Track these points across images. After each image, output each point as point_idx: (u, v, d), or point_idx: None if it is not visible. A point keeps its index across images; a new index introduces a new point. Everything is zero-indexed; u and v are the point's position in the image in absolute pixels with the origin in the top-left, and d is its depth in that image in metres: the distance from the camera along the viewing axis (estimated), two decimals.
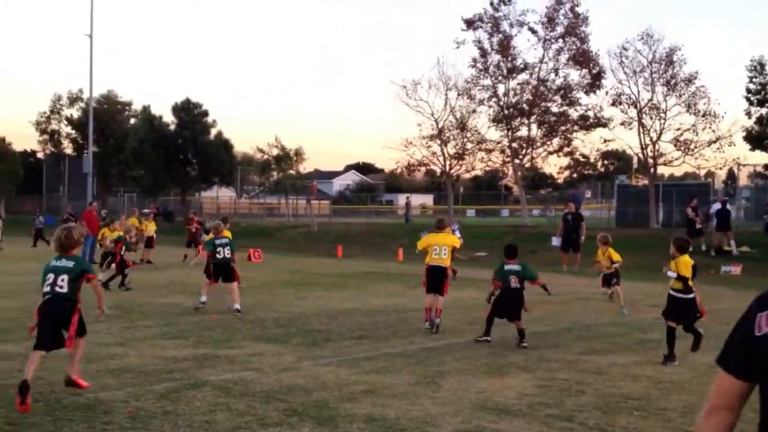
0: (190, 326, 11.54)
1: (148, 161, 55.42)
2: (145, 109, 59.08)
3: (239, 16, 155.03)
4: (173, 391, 7.42)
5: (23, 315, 11.88)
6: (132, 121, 67.10)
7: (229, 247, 13.63)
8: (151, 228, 24.94)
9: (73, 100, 70.23)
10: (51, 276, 7.34)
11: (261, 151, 47.30)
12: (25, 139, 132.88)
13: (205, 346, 9.89)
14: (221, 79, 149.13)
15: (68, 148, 72.42)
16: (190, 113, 56.35)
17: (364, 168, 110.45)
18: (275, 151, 45.73)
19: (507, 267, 10.89)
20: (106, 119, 65.35)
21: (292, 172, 46.56)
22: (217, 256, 13.52)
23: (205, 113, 57.12)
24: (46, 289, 7.31)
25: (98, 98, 64.02)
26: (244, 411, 6.77)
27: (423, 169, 42.80)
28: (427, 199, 79.65)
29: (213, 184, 60.24)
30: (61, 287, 7.24)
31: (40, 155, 78.29)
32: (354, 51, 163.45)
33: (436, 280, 11.56)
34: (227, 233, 14.16)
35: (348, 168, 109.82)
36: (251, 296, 15.69)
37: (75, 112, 70.49)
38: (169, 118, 57.18)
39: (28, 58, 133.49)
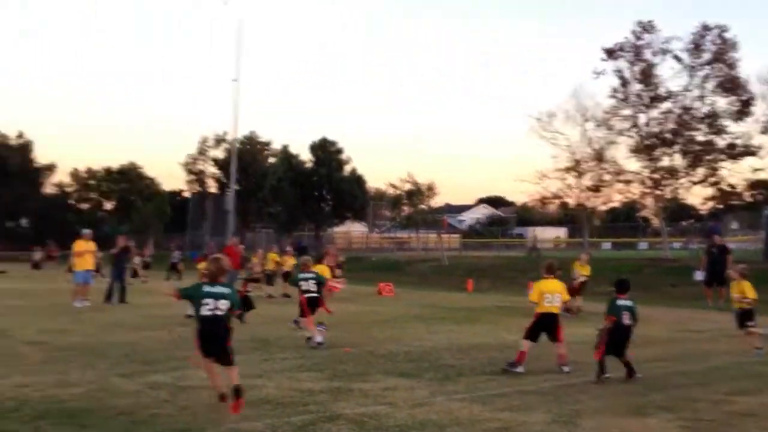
0: (324, 359, 11.78)
1: (286, 198, 57.46)
2: (284, 149, 61.35)
3: (372, 54, 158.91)
4: (309, 423, 7.59)
5: (172, 346, 12.56)
6: (271, 160, 69.80)
7: (314, 281, 13.91)
8: (289, 262, 25.71)
9: (219, 141, 73.97)
10: (210, 301, 8.18)
11: (393, 186, 48.07)
12: (174, 180, 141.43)
13: (339, 379, 10.06)
14: (356, 116, 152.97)
15: (212, 187, 76.08)
16: (326, 151, 58.08)
17: (495, 201, 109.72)
18: (407, 186, 46.30)
19: (619, 302, 10.52)
20: (247, 159, 68.36)
21: (423, 206, 46.93)
22: (302, 288, 13.83)
23: (340, 150, 58.74)
24: (206, 313, 8.14)
25: (241, 139, 67.14)
26: None
27: (557, 201, 42.01)
28: (561, 232, 78.01)
29: (346, 219, 61.61)
30: (221, 311, 8.19)
31: (186, 194, 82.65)
32: (488, 83, 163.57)
33: (548, 328, 11.12)
34: (321, 268, 15.14)
35: (479, 201, 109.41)
36: (382, 330, 15.88)
37: (220, 153, 74.15)
38: (306, 156, 59.13)
39: (178, 104, 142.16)
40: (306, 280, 13.92)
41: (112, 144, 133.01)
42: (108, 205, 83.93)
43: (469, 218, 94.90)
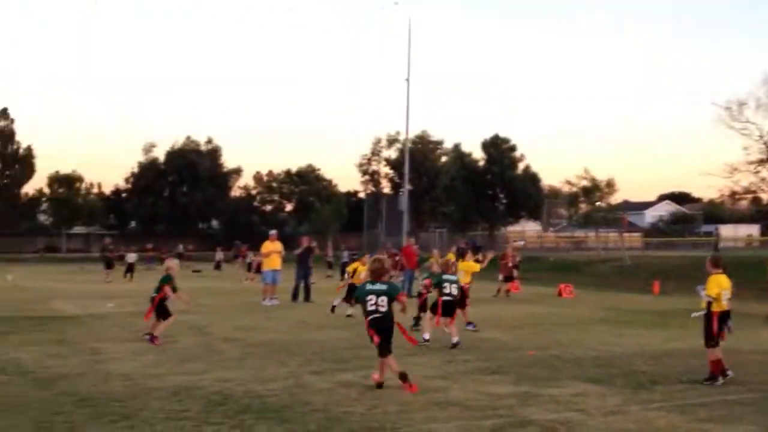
0: (509, 362, 11.61)
1: (459, 197, 57.57)
2: (456, 147, 61.52)
3: (541, 46, 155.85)
4: (500, 428, 7.49)
5: (357, 345, 12.87)
6: (443, 159, 70.19)
7: (456, 285, 13.35)
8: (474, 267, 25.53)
9: (391, 141, 75.41)
10: (372, 297, 9.40)
11: (569, 183, 46.84)
12: (349, 181, 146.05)
13: (527, 383, 9.88)
14: (529, 111, 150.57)
15: (386, 187, 77.62)
16: (498, 149, 57.62)
17: (678, 197, 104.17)
18: (584, 183, 44.96)
19: None
20: (420, 159, 69.16)
21: (601, 204, 45.39)
22: (444, 291, 13.19)
23: (513, 148, 58.06)
24: (371, 308, 9.38)
25: (413, 139, 68.02)
26: None
27: (749, 197, 39.25)
28: (753, 230, 72.76)
29: (520, 217, 60.78)
30: (382, 306, 9.35)
31: (361, 195, 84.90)
32: (669, 70, 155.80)
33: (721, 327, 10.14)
34: (467, 265, 14.75)
35: (661, 198, 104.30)
36: (565, 333, 15.47)
37: (393, 153, 75.56)
38: (478, 154, 58.97)
39: (352, 105, 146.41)
40: (450, 282, 13.35)
41: (291, 147, 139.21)
42: (288, 207, 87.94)
43: (650, 216, 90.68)
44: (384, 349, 9.31)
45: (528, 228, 64.91)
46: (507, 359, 11.94)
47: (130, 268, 34.45)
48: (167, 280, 13.53)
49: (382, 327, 9.30)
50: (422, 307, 14.92)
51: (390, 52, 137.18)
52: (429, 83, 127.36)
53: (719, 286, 10.07)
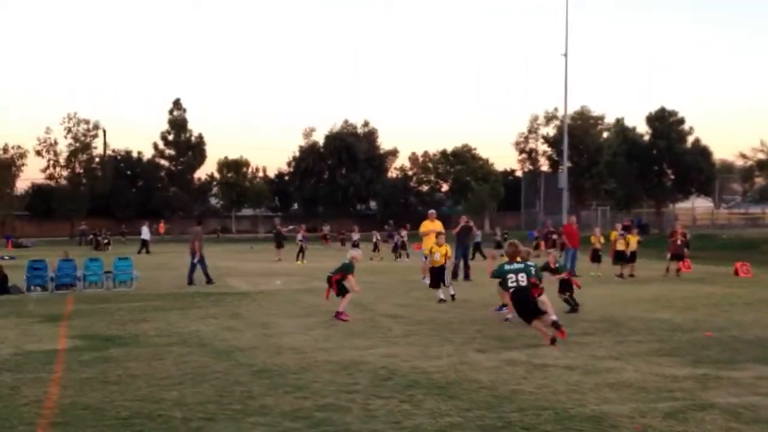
0: (684, 344, 11.04)
1: (622, 174, 55.39)
2: (618, 122, 59.16)
3: (703, 7, 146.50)
4: (679, 411, 7.13)
5: (520, 323, 12.70)
6: (605, 134, 67.84)
7: (524, 274, 11.28)
8: (633, 242, 24.62)
9: (549, 119, 73.80)
10: (512, 275, 11.15)
11: (744, 156, 43.94)
12: (506, 159, 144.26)
13: (705, 366, 9.34)
14: (696, 83, 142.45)
15: (544, 165, 76.13)
16: (665, 122, 54.84)
17: None
18: (760, 156, 41.99)
19: None
20: (579, 135, 67.22)
21: None
22: (510, 283, 11.32)
23: (681, 121, 55.05)
24: (512, 285, 11.11)
25: (572, 115, 66.18)
26: None
27: None
28: None
29: (689, 194, 57.67)
30: (522, 282, 11.07)
31: (518, 173, 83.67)
32: None
33: None
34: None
35: None
36: (744, 314, 14.52)
37: (550, 131, 73.92)
38: (643, 128, 56.43)
39: (507, 83, 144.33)
40: (516, 272, 11.35)
41: (447, 127, 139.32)
42: (444, 187, 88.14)
43: None
44: (528, 317, 10.92)
45: (698, 205, 61.50)
46: (681, 340, 11.35)
47: (301, 249, 35.47)
48: (350, 268, 14.02)
49: (522, 300, 11.01)
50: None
51: (546, 26, 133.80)
52: (588, 57, 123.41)
53: None
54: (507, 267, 11.81)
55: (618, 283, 21.94)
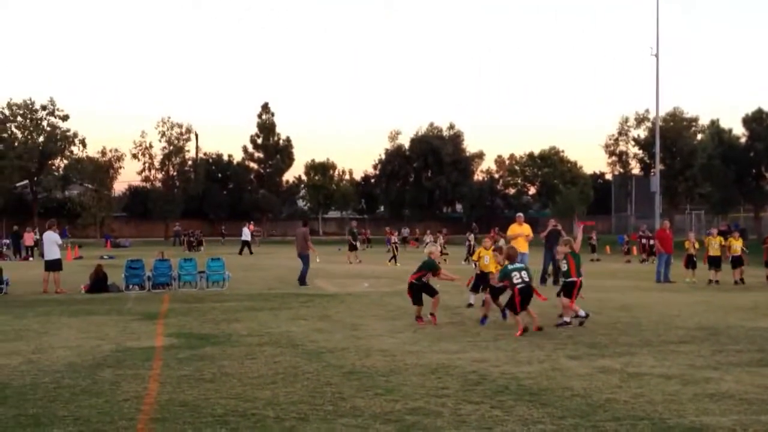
0: None
1: (717, 177, 53.48)
2: (713, 124, 57.15)
3: None
4: None
5: (615, 331, 12.39)
6: (699, 136, 65.67)
7: (525, 271, 12.69)
8: (737, 246, 23.73)
9: (640, 120, 71.88)
10: (517, 273, 12.56)
11: None
12: (595, 162, 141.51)
13: None
14: None
15: (635, 168, 74.19)
16: (762, 124, 52.65)
17: None
18: None
19: None
20: (672, 137, 65.25)
21: None
22: (515, 281, 12.51)
23: None
24: (518, 281, 12.47)
25: (664, 117, 64.29)
26: None
27: None
28: None
29: None
30: (525, 278, 12.54)
31: (608, 176, 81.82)
32: None
33: None
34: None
35: None
36: None
37: (641, 132, 72.01)
38: (739, 130, 54.36)
39: (597, 84, 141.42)
40: (519, 270, 12.71)
41: (533, 129, 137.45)
42: (532, 190, 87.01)
43: None
44: (524, 308, 12.45)
45: None
46: None
47: (394, 252, 35.54)
48: (430, 266, 13.89)
49: (527, 293, 12.46)
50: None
51: (637, 24, 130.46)
52: (681, 56, 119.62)
53: None
54: (510, 267, 12.92)
55: (715, 290, 21.18)
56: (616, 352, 10.54)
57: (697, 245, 24.95)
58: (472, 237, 38.63)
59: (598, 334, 12.34)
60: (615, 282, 24.29)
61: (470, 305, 16.00)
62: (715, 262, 23.41)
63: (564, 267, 13.48)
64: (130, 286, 20.77)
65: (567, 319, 13.20)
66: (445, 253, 34.62)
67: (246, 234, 45.47)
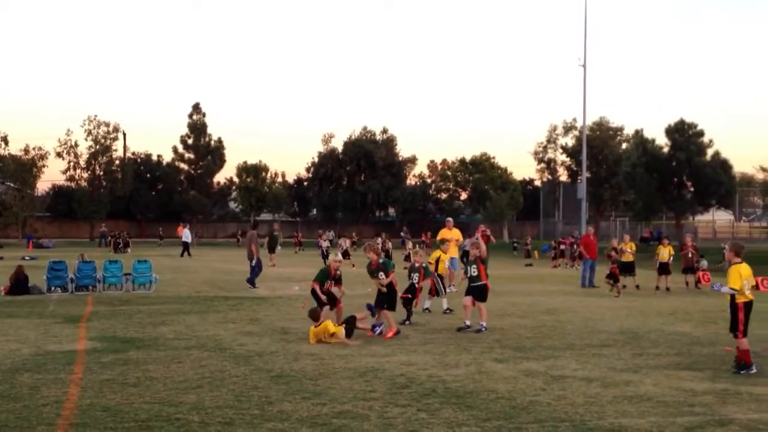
0: (703, 358, 10.97)
1: (641, 185, 55.06)
2: (638, 133, 58.86)
3: (729, 21, 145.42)
4: (698, 426, 7.07)
5: (540, 335, 12.67)
6: (624, 145, 67.55)
7: (475, 266, 13.62)
8: (665, 253, 24.30)
9: (568, 129, 73.56)
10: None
11: (764, 170, 43.59)
12: (525, 169, 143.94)
13: (724, 380, 9.27)
14: (717, 94, 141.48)
15: (563, 175, 75.84)
16: (684, 134, 54.52)
17: None
18: None
19: None
20: (598, 145, 66.95)
21: None
22: (473, 275, 13.64)
23: (701, 133, 54.68)
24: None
25: (591, 126, 65.92)
26: None
27: None
28: None
29: (709, 206, 57.21)
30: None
31: (537, 183, 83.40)
32: None
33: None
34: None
35: None
36: (765, 328, 14.34)
37: (569, 141, 73.67)
38: (662, 140, 56.13)
39: (526, 93, 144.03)
40: (470, 264, 13.85)
41: (466, 135, 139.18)
42: (463, 195, 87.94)
43: None
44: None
45: (718, 217, 60.99)
46: (701, 354, 11.28)
47: (346, 253, 34.76)
48: (323, 275, 13.25)
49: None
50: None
51: (566, 35, 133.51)
52: (607, 68, 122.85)
53: (740, 276, 9.83)
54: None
55: (636, 295, 21.81)
56: (540, 356, 10.77)
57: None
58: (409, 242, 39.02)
59: (524, 337, 12.59)
60: (542, 286, 24.79)
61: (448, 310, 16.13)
62: (627, 269, 23.77)
63: (474, 272, 13.62)
64: (53, 288, 20.19)
65: (485, 324, 13.31)
66: (349, 259, 33.93)
67: (186, 235, 44.69)
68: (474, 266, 13.58)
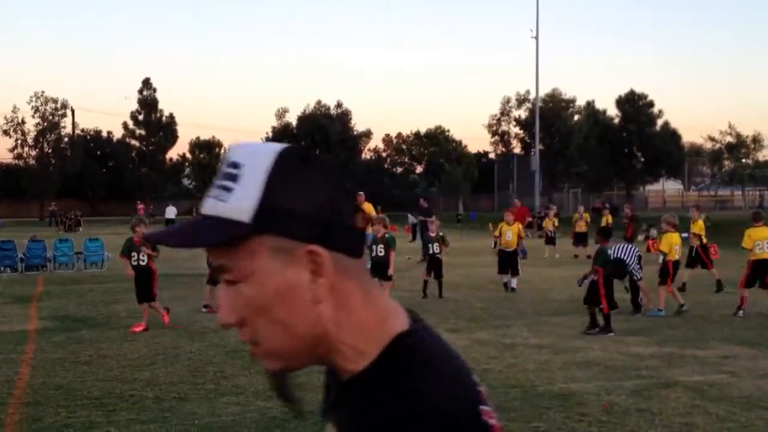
0: (651, 323, 11.28)
1: (592, 157, 55.88)
2: (589, 105, 59.59)
3: None
4: (644, 388, 7.30)
5: (493, 305, 12.87)
6: (576, 117, 68.28)
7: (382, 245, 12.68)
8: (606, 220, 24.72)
9: (521, 101, 73.93)
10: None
11: (712, 139, 44.59)
12: (479, 142, 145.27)
13: (670, 344, 9.56)
14: (666, 65, 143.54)
15: (516, 148, 76.41)
16: (634, 105, 55.37)
17: None
18: (728, 140, 42.62)
19: None
20: (551, 117, 67.41)
21: (747, 161, 42.93)
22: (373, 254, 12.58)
23: (651, 104, 55.59)
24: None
25: (543, 98, 66.39)
26: (723, 416, 6.38)
27: None
28: None
29: (659, 176, 58.36)
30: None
31: (491, 155, 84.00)
32: None
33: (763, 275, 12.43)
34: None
35: None
36: (710, 294, 14.81)
37: (522, 113, 74.13)
38: (613, 111, 56.95)
39: (480, 65, 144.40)
40: (376, 244, 12.68)
41: (420, 108, 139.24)
42: (419, 169, 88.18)
43: None
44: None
45: (668, 187, 62.24)
46: (649, 320, 11.59)
47: None
48: None
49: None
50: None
51: (519, 7, 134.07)
52: (559, 39, 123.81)
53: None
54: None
55: (586, 264, 22.15)
56: (493, 325, 10.96)
57: (556, 223, 25.94)
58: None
59: (477, 308, 12.77)
60: (494, 258, 24.98)
61: (513, 289, 15.30)
62: (580, 239, 24.24)
63: (436, 249, 13.86)
64: (1, 269, 19.81)
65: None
66: None
67: (170, 212, 44.24)
68: (436, 244, 14.03)
